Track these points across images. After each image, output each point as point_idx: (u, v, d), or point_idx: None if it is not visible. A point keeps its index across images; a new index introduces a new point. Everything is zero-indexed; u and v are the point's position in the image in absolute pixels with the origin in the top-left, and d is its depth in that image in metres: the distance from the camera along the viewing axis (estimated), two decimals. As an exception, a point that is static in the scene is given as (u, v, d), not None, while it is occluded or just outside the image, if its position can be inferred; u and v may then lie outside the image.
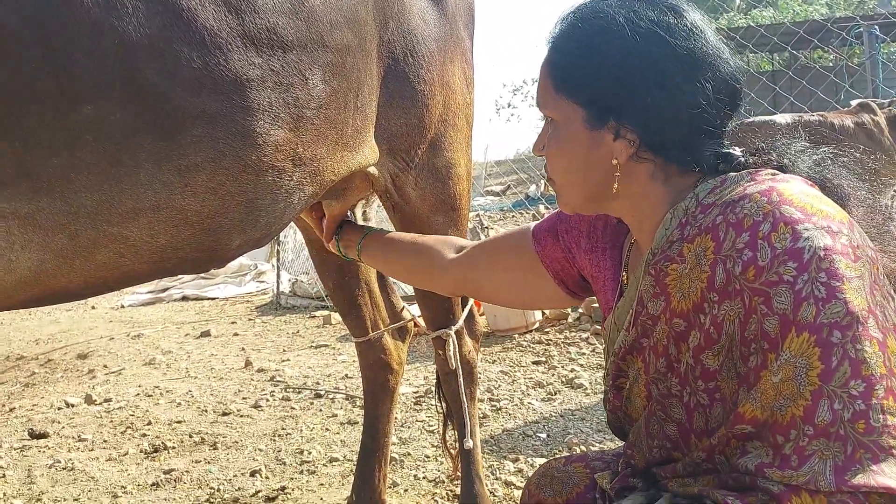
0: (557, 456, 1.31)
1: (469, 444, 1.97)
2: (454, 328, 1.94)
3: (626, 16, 0.91)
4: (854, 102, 3.47)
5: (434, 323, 1.98)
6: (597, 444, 2.77)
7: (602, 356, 3.90)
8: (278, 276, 6.69)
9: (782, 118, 3.23)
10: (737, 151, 0.97)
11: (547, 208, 10.05)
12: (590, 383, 3.47)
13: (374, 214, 2.16)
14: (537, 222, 1.26)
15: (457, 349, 1.93)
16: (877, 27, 10.32)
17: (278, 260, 6.78)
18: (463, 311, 2.01)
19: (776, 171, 0.91)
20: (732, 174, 0.91)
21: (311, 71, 1.29)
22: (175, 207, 1.21)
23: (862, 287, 0.77)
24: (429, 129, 1.74)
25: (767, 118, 3.25)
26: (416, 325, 2.29)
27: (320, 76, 1.31)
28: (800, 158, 0.95)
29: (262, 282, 7.93)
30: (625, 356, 0.98)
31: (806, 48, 11.89)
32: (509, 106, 18.66)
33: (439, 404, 2.26)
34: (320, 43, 1.31)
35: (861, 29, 10.12)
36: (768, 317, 0.78)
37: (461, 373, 1.94)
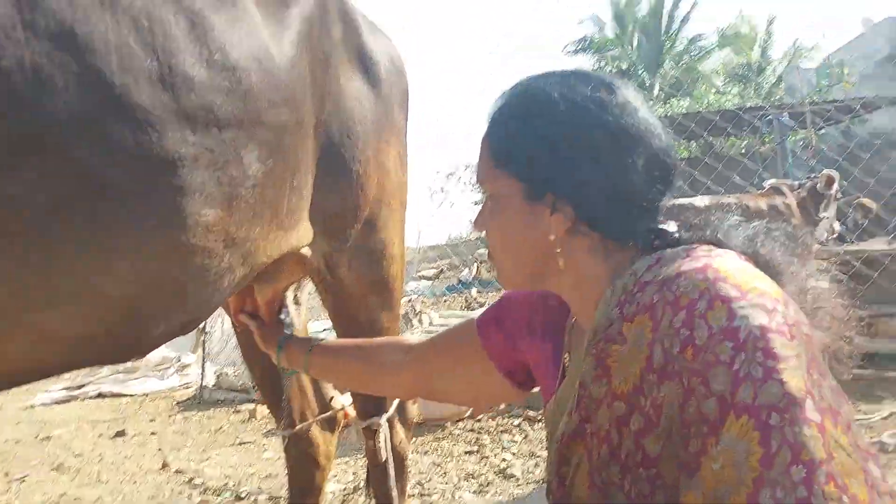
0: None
1: (401, 540, 1.87)
2: (386, 416, 1.87)
3: (560, 91, 0.93)
4: (767, 184, 3.66)
5: (365, 411, 1.90)
6: (534, 537, 2.68)
7: (532, 444, 3.84)
8: (203, 368, 6.40)
9: (701, 200, 3.36)
10: (671, 227, 0.97)
11: (479, 291, 10.09)
12: (522, 472, 3.40)
13: (306, 299, 2.09)
14: (480, 314, 1.23)
15: (388, 439, 1.85)
16: (786, 115, 11.06)
17: (204, 351, 6.50)
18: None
19: (711, 247, 0.89)
20: (669, 251, 0.89)
21: (247, 149, 1.26)
22: (96, 293, 1.13)
23: (799, 366, 0.75)
24: (363, 210, 1.71)
25: (687, 200, 3.38)
26: (346, 414, 2.19)
27: (255, 155, 1.28)
28: (733, 233, 0.94)
29: (186, 375, 7.55)
30: (568, 442, 0.93)
31: (720, 135, 12.62)
32: (442, 191, 18.95)
33: (368, 500, 2.14)
34: (257, 121, 1.28)
35: (770, 117, 10.83)
36: (707, 398, 0.75)
37: (392, 465, 1.85)
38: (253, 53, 1.31)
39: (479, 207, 1.03)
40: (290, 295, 1.97)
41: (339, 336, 1.81)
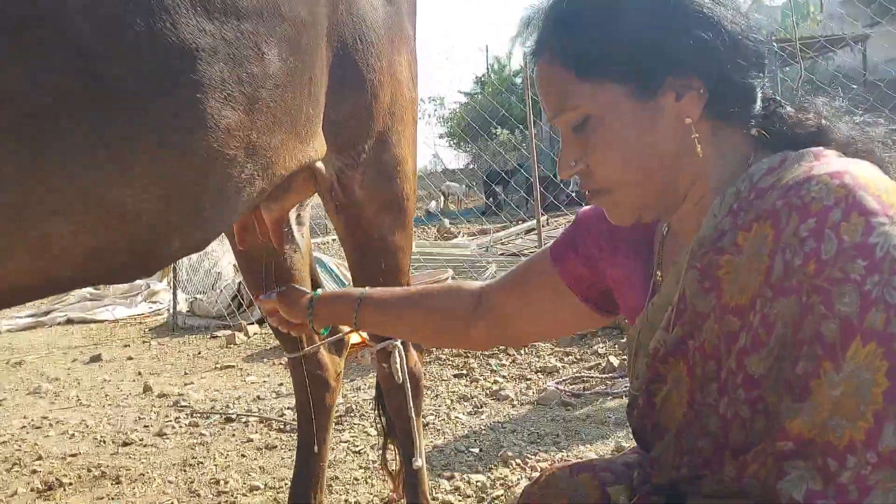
0: (557, 465, 1.18)
1: (418, 462, 1.84)
2: (400, 339, 1.81)
3: None
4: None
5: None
6: (532, 457, 2.69)
7: (521, 367, 3.86)
8: (175, 295, 6.29)
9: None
10: (778, 97, 0.89)
11: (452, 222, 10.05)
12: (515, 394, 3.40)
13: (308, 218, 2.00)
14: (553, 242, 1.12)
15: (404, 361, 1.80)
16: (774, 45, 11.06)
17: (175, 277, 6.37)
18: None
19: (842, 153, 0.81)
20: (792, 153, 0.81)
21: (268, 44, 1.14)
22: (109, 202, 1.02)
23: None
24: (377, 122, 1.61)
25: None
26: (361, 340, 2.14)
27: (277, 52, 1.16)
28: (840, 119, 0.86)
29: (156, 302, 7.45)
30: (666, 358, 0.86)
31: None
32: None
33: (379, 420, 2.11)
34: (277, 13, 1.16)
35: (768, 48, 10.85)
36: (827, 319, 0.68)
37: (409, 386, 1.81)
38: (270, -62, 1.18)
39: (563, 146, 0.89)
40: (293, 214, 1.87)
41: (349, 257, 1.73)
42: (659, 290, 0.92)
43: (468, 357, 4.13)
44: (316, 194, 1.68)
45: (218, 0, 1.05)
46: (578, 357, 3.90)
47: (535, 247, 5.37)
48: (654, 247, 0.99)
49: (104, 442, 3.24)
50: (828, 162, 0.77)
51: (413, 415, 1.81)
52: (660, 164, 0.85)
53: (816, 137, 0.84)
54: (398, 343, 1.75)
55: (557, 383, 3.49)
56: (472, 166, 19.76)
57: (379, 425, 2.15)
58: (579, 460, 1.25)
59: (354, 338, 2.44)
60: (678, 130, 0.83)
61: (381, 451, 2.15)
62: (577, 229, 1.08)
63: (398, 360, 1.74)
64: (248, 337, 5.37)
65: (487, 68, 24.20)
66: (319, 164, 1.50)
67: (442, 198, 15.34)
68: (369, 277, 1.71)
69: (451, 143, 21.71)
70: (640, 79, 0.82)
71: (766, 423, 0.74)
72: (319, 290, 1.34)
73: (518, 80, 20.51)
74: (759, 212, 0.76)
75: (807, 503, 0.68)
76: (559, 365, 3.81)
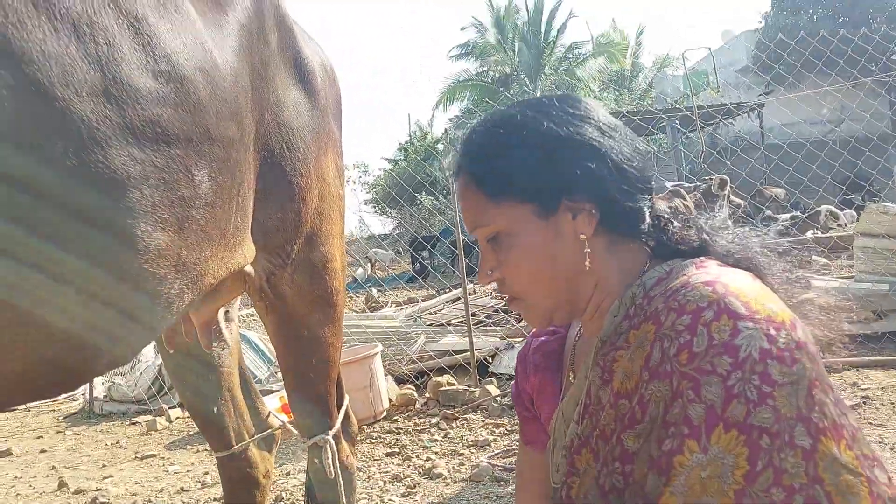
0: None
1: (352, 557, 1.83)
2: (332, 433, 1.81)
3: (532, 111, 0.97)
4: (668, 185, 3.86)
5: (308, 429, 1.84)
6: (467, 538, 2.68)
7: (453, 442, 3.86)
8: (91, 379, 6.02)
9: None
10: (666, 215, 1.01)
11: (379, 290, 10.04)
12: (448, 472, 3.40)
13: (237, 315, 2.00)
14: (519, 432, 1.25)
15: (336, 456, 1.80)
16: (677, 121, 11.73)
17: (91, 361, 6.10)
18: (339, 412, 1.89)
19: (721, 263, 0.92)
20: (678, 263, 0.92)
21: (198, 166, 1.18)
22: (37, 325, 1.02)
23: (794, 393, 0.77)
24: (305, 223, 1.65)
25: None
26: (286, 431, 2.12)
27: (206, 172, 1.20)
28: (718, 234, 0.98)
29: (70, 386, 7.09)
30: (579, 449, 0.95)
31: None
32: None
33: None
34: (206, 136, 1.20)
35: (664, 123, 11.47)
36: (695, 403, 0.78)
37: (341, 481, 1.81)
38: (199, 63, 1.23)
39: (481, 256, 1.01)
40: (221, 311, 1.88)
41: (279, 353, 1.74)
42: (571, 387, 1.01)
43: (399, 434, 4.11)
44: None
45: (148, 129, 1.09)
46: (509, 429, 3.94)
47: (463, 316, 5.43)
48: (565, 355, 1.09)
49: (16, 549, 3.05)
50: (706, 271, 0.88)
51: (346, 508, 1.80)
52: (563, 273, 0.96)
53: (699, 250, 0.96)
54: (329, 437, 1.75)
55: (490, 457, 3.50)
56: (397, 231, 19.89)
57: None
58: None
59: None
60: (576, 245, 0.95)
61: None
62: (517, 391, 1.21)
63: (329, 455, 1.74)
64: (171, 422, 5.18)
65: (410, 135, 24.65)
66: (248, 268, 1.52)
67: (369, 265, 15.34)
68: (300, 373, 1.72)
69: (377, 208, 21.84)
70: (540, 200, 0.94)
71: (632, 495, 0.83)
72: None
73: (440, 147, 20.96)
74: (646, 314, 0.87)
75: None
76: (490, 438, 3.83)
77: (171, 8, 1.21)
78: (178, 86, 1.16)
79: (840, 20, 16.91)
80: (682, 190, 4.09)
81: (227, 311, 1.90)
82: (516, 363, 1.23)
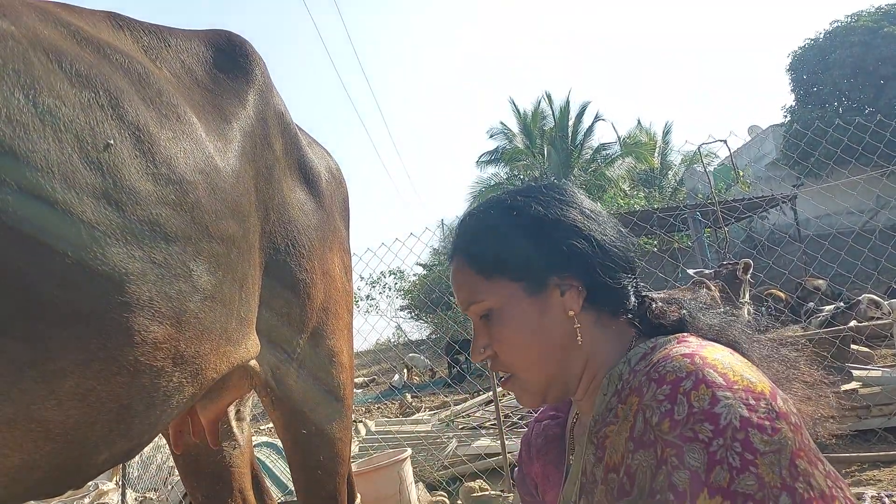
0: None
1: None
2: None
3: (521, 196, 1.04)
4: (691, 272, 3.84)
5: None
6: None
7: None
8: (123, 495, 5.98)
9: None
10: (651, 294, 1.05)
11: (415, 395, 9.91)
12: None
13: (249, 413, 2.01)
14: None
15: (347, 554, 1.76)
16: (699, 213, 11.82)
17: (124, 476, 6.09)
18: (351, 511, 1.86)
19: (702, 338, 0.95)
20: (661, 339, 0.95)
21: (196, 262, 1.24)
22: (34, 419, 1.06)
23: (776, 462, 0.76)
24: (311, 318, 1.69)
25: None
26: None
27: (205, 267, 1.26)
28: (702, 313, 1.01)
29: (104, 503, 7.04)
30: None
31: (641, 235, 13.32)
32: (368, 297, 19.12)
33: None
34: (205, 234, 1.27)
35: (686, 215, 11.57)
36: (678, 469, 0.78)
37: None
38: (199, 166, 1.31)
39: (474, 333, 1.05)
40: (231, 410, 1.89)
41: (288, 451, 1.74)
42: (570, 471, 1.02)
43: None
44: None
45: (147, 228, 1.16)
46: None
47: (495, 419, 5.32)
48: (566, 438, 1.11)
49: None
50: (686, 344, 0.90)
51: None
52: (554, 348, 0.99)
53: (679, 325, 0.99)
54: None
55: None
56: (434, 336, 19.86)
57: None
58: None
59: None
60: (565, 320, 0.99)
61: None
62: (520, 477, 1.22)
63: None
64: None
65: (442, 241, 25.00)
66: (253, 363, 1.55)
67: (405, 371, 15.23)
68: (309, 470, 1.71)
69: (412, 314, 21.92)
70: (529, 278, 0.98)
71: None
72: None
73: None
74: (631, 388, 0.89)
75: None
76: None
77: (172, 118, 1.31)
78: (177, 187, 1.24)
79: (867, 111, 17.06)
80: (706, 280, 4.06)
81: (239, 410, 1.92)
82: (520, 447, 1.23)
